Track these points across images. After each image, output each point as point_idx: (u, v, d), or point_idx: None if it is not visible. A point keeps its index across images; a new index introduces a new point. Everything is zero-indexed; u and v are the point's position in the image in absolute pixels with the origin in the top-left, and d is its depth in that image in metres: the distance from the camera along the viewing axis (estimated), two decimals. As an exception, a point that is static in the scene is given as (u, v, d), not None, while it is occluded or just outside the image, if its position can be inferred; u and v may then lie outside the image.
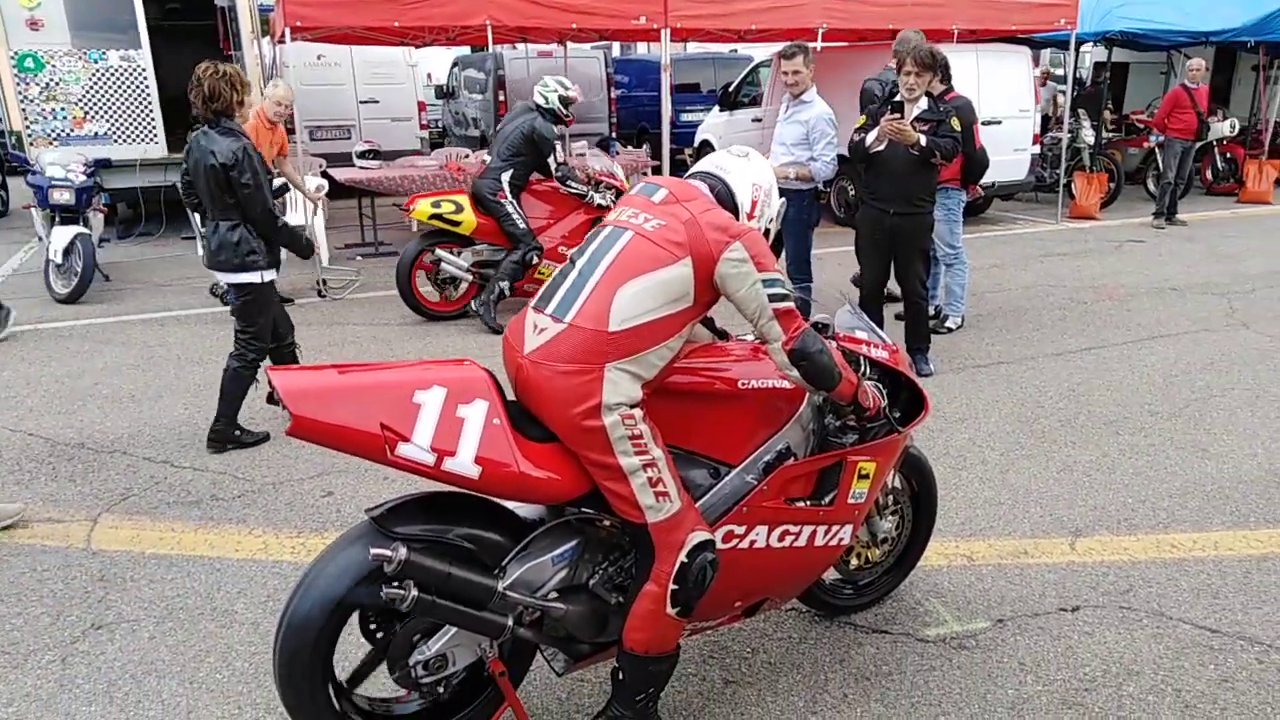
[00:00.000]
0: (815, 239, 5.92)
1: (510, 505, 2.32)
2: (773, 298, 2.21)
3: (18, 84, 9.12)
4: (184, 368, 5.74)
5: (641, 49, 21.04)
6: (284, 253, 4.70)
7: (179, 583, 3.29)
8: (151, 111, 9.68)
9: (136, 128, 9.66)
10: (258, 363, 4.49)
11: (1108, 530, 3.63)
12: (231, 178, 4.15)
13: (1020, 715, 2.58)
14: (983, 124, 6.45)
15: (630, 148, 12.54)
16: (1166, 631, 2.96)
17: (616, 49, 19.25)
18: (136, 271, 8.52)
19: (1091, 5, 11.02)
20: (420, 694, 2.31)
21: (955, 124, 5.07)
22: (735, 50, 16.52)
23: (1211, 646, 2.88)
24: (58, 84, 9.29)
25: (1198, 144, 10.61)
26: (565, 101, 6.67)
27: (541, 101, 6.63)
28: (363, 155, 9.27)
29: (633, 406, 2.13)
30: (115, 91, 9.50)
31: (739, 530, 2.40)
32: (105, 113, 9.51)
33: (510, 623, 2.19)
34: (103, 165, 9.09)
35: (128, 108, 9.59)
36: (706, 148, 12.93)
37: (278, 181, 5.88)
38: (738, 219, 2.34)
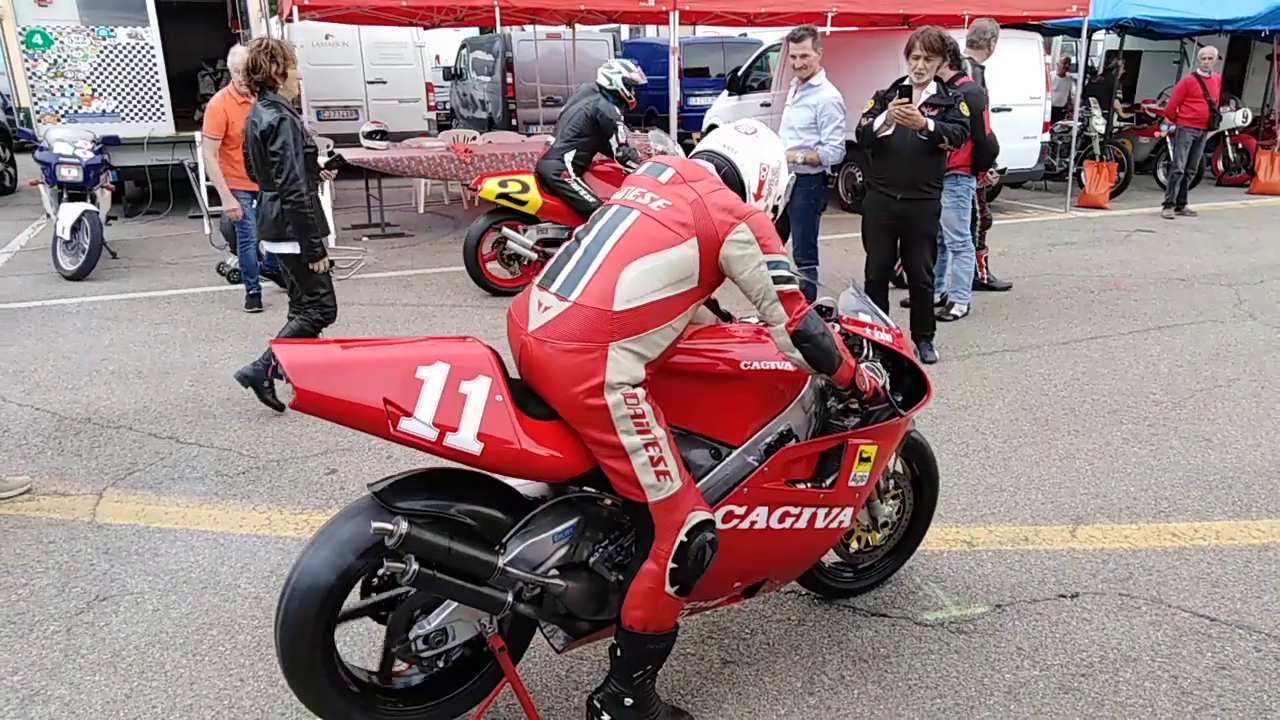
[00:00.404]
0: (822, 224, 5.91)
1: (512, 483, 2.34)
2: (777, 280, 2.21)
3: (26, 60, 9.12)
4: (190, 345, 5.76)
5: (650, 32, 20.93)
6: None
7: (183, 557, 3.32)
8: (159, 89, 9.68)
9: (144, 106, 9.66)
10: (323, 324, 4.57)
11: (1109, 518, 3.63)
12: (268, 148, 4.24)
13: (1017, 700, 2.60)
14: (992, 110, 6.42)
15: (638, 131, 12.49)
16: (1165, 619, 2.97)
17: (625, 32, 19.16)
18: (144, 249, 8.54)
19: (1104, -9, 10.92)
20: (420, 668, 2.33)
21: (964, 109, 5.04)
22: (745, 34, 16.41)
23: (1209, 634, 2.89)
24: (66, 61, 9.29)
25: (1209, 134, 10.53)
26: (628, 83, 6.84)
27: (605, 83, 6.78)
28: (370, 136, 9.25)
29: (635, 386, 2.14)
30: (123, 69, 9.50)
31: (739, 511, 2.41)
32: (113, 90, 9.51)
33: (510, 599, 2.20)
34: (111, 143, 9.10)
35: (136, 85, 9.59)
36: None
37: (325, 156, 5.60)
38: (745, 199, 2.34)
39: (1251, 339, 5.93)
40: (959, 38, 5.71)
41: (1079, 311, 6.61)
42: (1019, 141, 9.66)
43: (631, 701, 2.34)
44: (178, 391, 4.96)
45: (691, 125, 14.23)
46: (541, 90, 12.41)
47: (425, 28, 12.48)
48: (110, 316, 6.38)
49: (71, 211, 7.29)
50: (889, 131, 5.03)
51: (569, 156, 6.60)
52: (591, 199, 6.54)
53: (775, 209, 2.48)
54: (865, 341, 2.67)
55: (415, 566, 2.05)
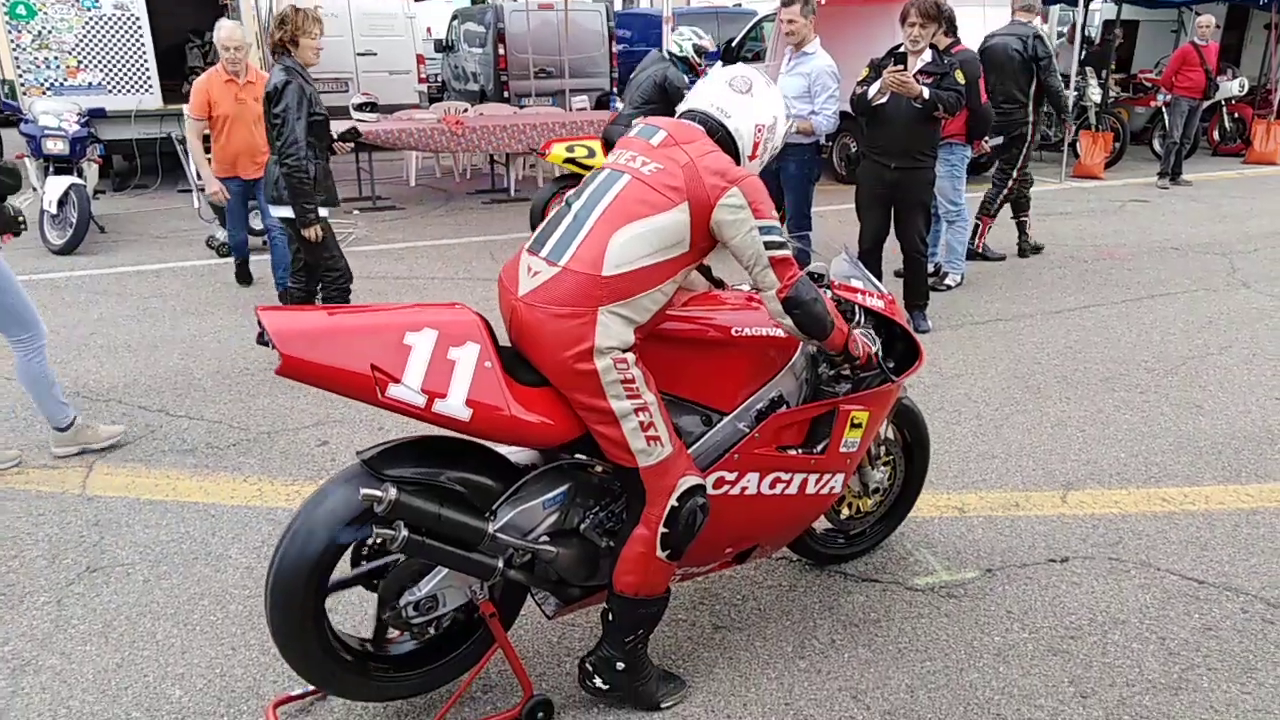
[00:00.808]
0: (816, 195, 5.87)
1: (502, 450, 2.33)
2: (769, 245, 2.19)
3: (9, 32, 8.98)
4: (179, 319, 5.72)
5: (644, 2, 20.71)
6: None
7: (174, 528, 3.31)
8: (146, 62, 9.54)
9: (131, 78, 9.52)
10: (348, 290, 4.66)
11: (1099, 484, 3.64)
12: (271, 109, 4.29)
13: (1006, 662, 2.61)
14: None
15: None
16: (1154, 582, 2.99)
17: (619, 2, 18.94)
18: (132, 224, 8.47)
19: (1102, -41, 10.82)
20: (412, 635, 2.33)
21: (959, 77, 5.00)
22: (739, 4, 16.26)
23: (1197, 597, 2.91)
24: (50, 32, 9.14)
25: (1205, 103, 10.46)
26: (699, 50, 6.78)
27: (675, 50, 6.77)
28: (360, 108, 9.14)
29: (625, 351, 2.12)
30: (109, 41, 9.35)
31: (730, 477, 2.41)
32: (99, 62, 9.37)
33: (500, 565, 2.20)
34: (97, 115, 8.98)
35: (122, 58, 9.45)
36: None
37: (344, 125, 5.38)
38: (738, 160, 2.31)
39: (1244, 307, 5.94)
40: (954, 4, 5.66)
41: (1072, 281, 6.60)
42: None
43: (624, 665, 2.35)
44: (167, 365, 4.94)
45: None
46: (534, 62, 12.25)
47: (415, -1, 12.34)
48: (98, 290, 6.33)
49: (58, 185, 7.21)
50: (884, 99, 4.98)
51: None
52: None
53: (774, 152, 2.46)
54: (857, 307, 2.66)
55: (405, 533, 2.05)
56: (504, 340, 2.25)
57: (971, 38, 6.42)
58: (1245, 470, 3.75)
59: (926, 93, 4.85)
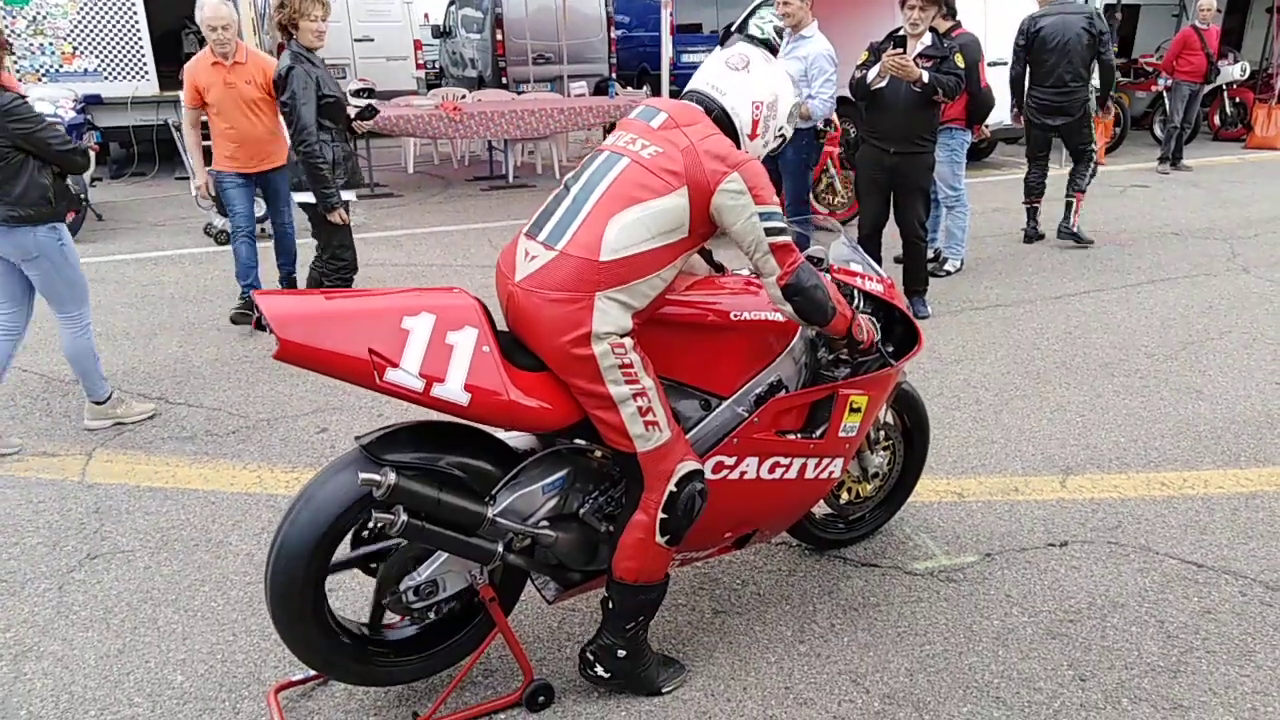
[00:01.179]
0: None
1: (501, 435, 2.33)
2: (769, 231, 2.17)
3: (4, 18, 8.93)
4: (177, 306, 5.71)
5: (642, -12, 20.55)
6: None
7: (174, 515, 3.32)
8: (142, 48, 9.50)
9: (127, 64, 9.49)
10: (350, 282, 4.65)
11: (1099, 468, 3.65)
12: (279, 98, 4.31)
13: (1005, 645, 2.62)
14: (989, 65, 6.35)
15: (630, 89, 12.33)
16: (1153, 566, 2.99)
17: (617, -13, 18.80)
18: (130, 211, 8.44)
19: (1103, -58, 10.75)
20: (412, 620, 2.33)
21: (959, 61, 4.97)
22: (738, -11, 16.15)
23: (1196, 580, 2.91)
24: (45, 18, 9.10)
25: (1206, 87, 10.42)
26: (779, 31, 6.72)
27: (757, 32, 6.65)
28: (357, 94, 9.07)
29: (623, 336, 2.11)
30: (104, 27, 9.31)
31: (729, 461, 2.40)
32: (95, 48, 9.33)
33: (500, 549, 2.20)
34: (93, 102, 8.95)
35: (118, 43, 9.41)
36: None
37: (360, 101, 4.97)
38: (738, 141, 2.29)
39: (1244, 292, 5.93)
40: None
41: (1072, 266, 6.59)
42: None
43: (625, 652, 2.35)
44: (166, 352, 4.93)
45: (684, 83, 14.02)
46: (532, 48, 12.20)
47: (412, -17, 12.26)
48: (96, 278, 6.30)
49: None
50: (883, 83, 4.96)
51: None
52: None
53: (783, 137, 2.42)
54: (856, 291, 2.65)
55: (404, 518, 2.05)
56: (502, 325, 2.25)
57: (971, 22, 6.38)
58: (1244, 454, 3.75)
59: (926, 76, 4.82)
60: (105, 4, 9.23)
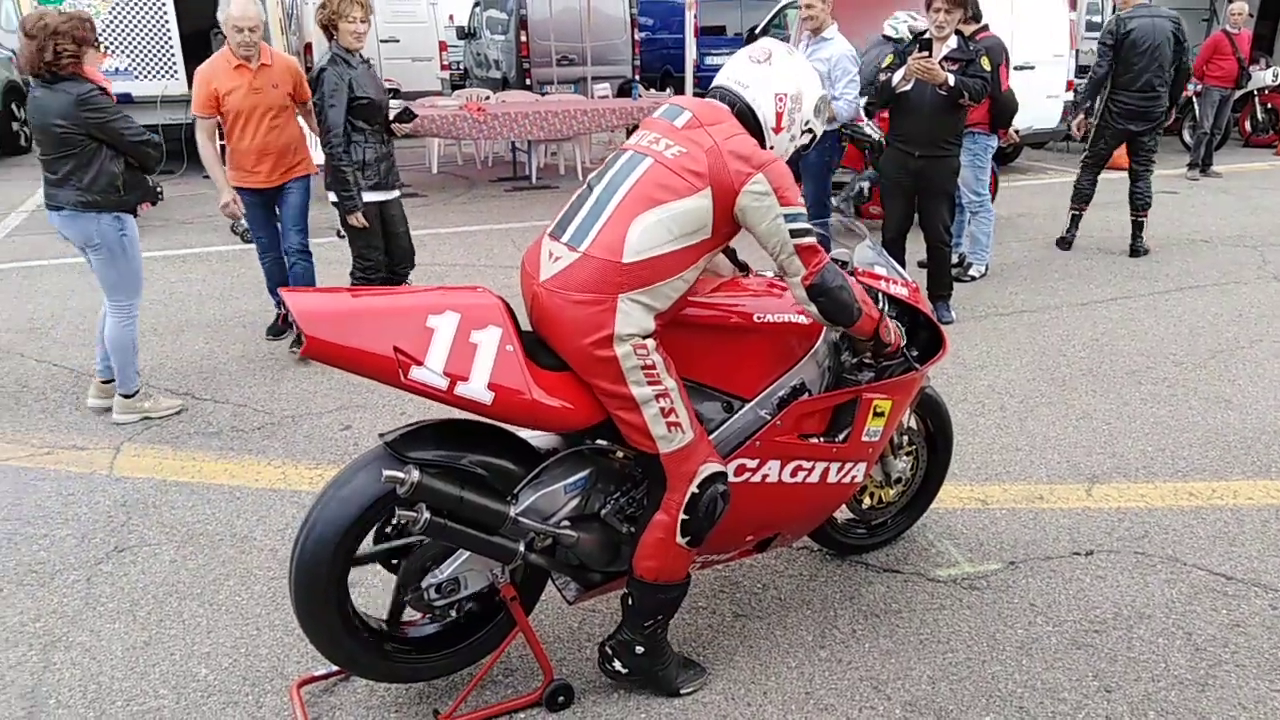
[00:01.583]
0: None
1: (524, 434, 2.33)
2: (794, 232, 2.16)
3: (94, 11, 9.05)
4: (204, 303, 5.77)
5: (666, -10, 20.56)
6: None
7: (199, 509, 3.35)
8: (172, 47, 9.61)
9: (157, 63, 9.60)
10: (365, 283, 4.66)
11: (1125, 477, 3.60)
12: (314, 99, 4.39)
13: (1029, 654, 2.59)
14: (1015, 69, 6.30)
15: (653, 91, 12.34)
16: (1180, 577, 2.95)
17: (641, -11, 18.81)
18: (158, 209, 8.46)
19: (1133, -55, 10.60)
20: (433, 617, 2.34)
21: (985, 64, 4.94)
22: (763, -9, 16.12)
23: (1225, 592, 2.87)
24: (77, 18, 9.21)
25: (1237, 93, 10.28)
26: (914, 32, 6.80)
27: (892, 34, 6.77)
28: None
29: (645, 337, 2.11)
30: (135, 26, 9.43)
31: (751, 464, 2.40)
32: (126, 48, 9.45)
33: (521, 548, 2.20)
34: (124, 101, 9.04)
35: (148, 43, 9.52)
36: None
37: (397, 102, 4.75)
38: (763, 136, 2.28)
39: (1275, 301, 5.84)
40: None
41: (1099, 273, 6.52)
42: (1041, 100, 9.46)
43: (643, 650, 2.35)
44: (193, 349, 4.99)
45: (707, 85, 14.01)
46: (556, 49, 12.23)
47: (438, -15, 12.33)
48: (126, 275, 6.39)
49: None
50: (908, 86, 4.93)
51: (861, 102, 6.55)
52: (876, 136, 6.31)
53: (811, 133, 2.38)
54: (880, 295, 2.64)
55: (427, 515, 2.06)
56: (525, 324, 2.25)
57: (998, 25, 6.33)
58: (1275, 466, 3.70)
59: (952, 79, 4.79)
60: (136, 4, 9.34)
